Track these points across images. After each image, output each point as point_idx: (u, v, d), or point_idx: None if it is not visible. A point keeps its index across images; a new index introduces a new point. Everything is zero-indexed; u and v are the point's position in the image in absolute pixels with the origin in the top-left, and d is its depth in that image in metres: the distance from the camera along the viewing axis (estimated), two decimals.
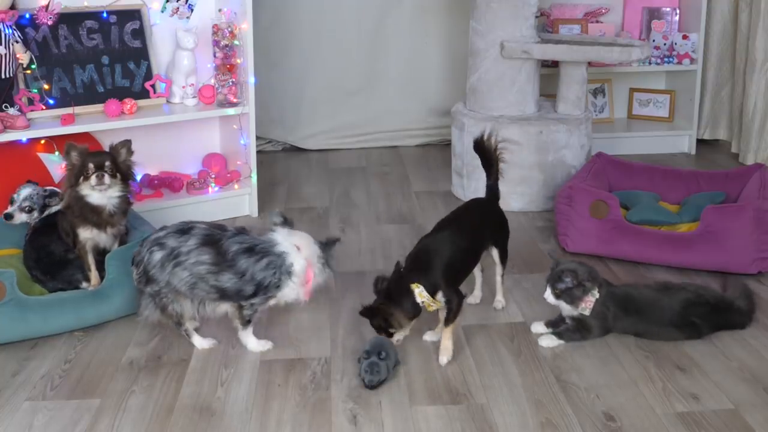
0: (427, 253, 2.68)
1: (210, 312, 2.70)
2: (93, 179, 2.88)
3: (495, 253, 2.94)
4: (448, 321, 2.65)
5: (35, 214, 3.17)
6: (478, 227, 2.87)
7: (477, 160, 3.95)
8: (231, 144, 4.04)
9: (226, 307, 2.70)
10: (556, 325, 2.80)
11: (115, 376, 2.60)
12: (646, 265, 3.33)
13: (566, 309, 2.75)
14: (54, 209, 3.16)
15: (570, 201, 3.46)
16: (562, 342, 2.75)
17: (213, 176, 3.94)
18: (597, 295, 2.71)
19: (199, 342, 2.76)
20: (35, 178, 3.40)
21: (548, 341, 2.75)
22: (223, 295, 2.64)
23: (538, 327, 2.84)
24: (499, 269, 2.97)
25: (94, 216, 2.94)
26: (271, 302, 2.72)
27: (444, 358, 2.65)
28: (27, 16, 3.47)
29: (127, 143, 2.98)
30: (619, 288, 2.81)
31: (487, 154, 3.00)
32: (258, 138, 4.58)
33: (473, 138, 3.03)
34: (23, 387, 2.54)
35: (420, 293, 2.57)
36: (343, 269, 3.36)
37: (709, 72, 4.97)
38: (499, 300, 3.01)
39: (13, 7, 3.36)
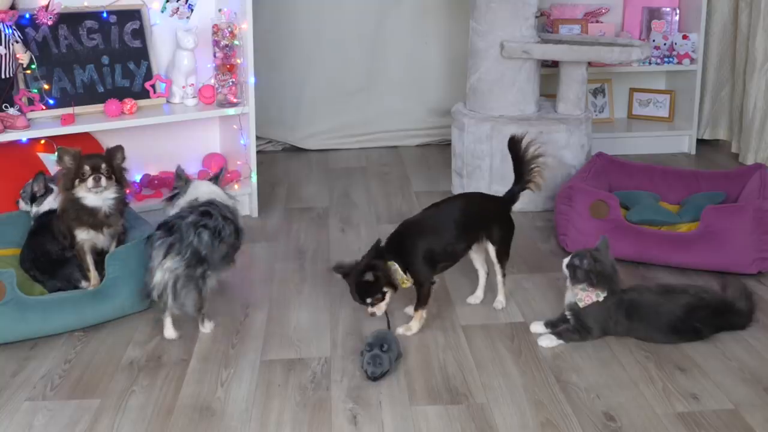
0: (409, 236, 2.78)
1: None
2: (90, 181, 2.88)
3: (491, 249, 2.92)
4: (418, 305, 2.80)
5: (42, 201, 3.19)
6: (470, 220, 2.88)
7: (477, 160, 4.00)
8: (231, 144, 4.04)
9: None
10: (555, 325, 2.80)
11: (115, 376, 2.60)
12: (646, 265, 3.33)
13: (568, 294, 2.75)
14: (45, 208, 3.16)
15: (570, 201, 3.46)
16: (561, 342, 2.75)
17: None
18: (600, 298, 2.71)
19: (208, 326, 2.88)
20: None
21: (547, 341, 2.75)
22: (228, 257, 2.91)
23: (537, 327, 2.84)
24: (497, 269, 2.96)
25: (91, 218, 2.93)
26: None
27: (400, 329, 2.80)
28: (27, 16, 3.47)
29: (120, 149, 2.99)
30: (627, 295, 2.79)
31: (519, 158, 2.95)
32: (258, 138, 4.58)
33: (511, 135, 2.98)
34: (23, 387, 2.54)
35: (396, 270, 2.70)
36: None
37: (709, 72, 4.97)
38: (500, 300, 3.01)
39: (13, 7, 3.35)
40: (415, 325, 2.82)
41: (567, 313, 2.77)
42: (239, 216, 3.02)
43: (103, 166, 2.91)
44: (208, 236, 2.76)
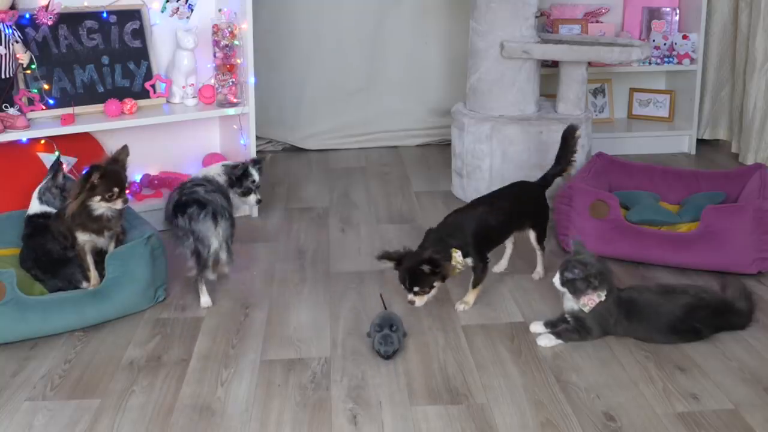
0: (461, 223, 2.94)
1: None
2: (119, 203, 2.93)
3: (532, 235, 3.17)
4: (476, 283, 2.99)
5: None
6: (514, 206, 3.11)
7: (477, 160, 4.01)
8: (231, 144, 4.04)
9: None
10: (555, 325, 2.80)
11: (115, 376, 2.60)
12: (646, 265, 3.33)
13: (569, 303, 2.75)
14: (36, 210, 3.16)
15: (570, 201, 3.46)
16: (560, 342, 2.75)
17: None
18: (603, 298, 2.71)
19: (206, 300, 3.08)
20: (35, 178, 3.40)
21: (546, 341, 2.75)
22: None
23: (536, 327, 2.84)
24: (537, 249, 3.21)
25: (95, 224, 2.96)
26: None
27: (461, 306, 2.99)
28: (27, 16, 3.47)
29: (126, 150, 3.01)
30: (624, 293, 2.80)
31: (568, 147, 3.24)
32: (258, 138, 4.57)
33: (570, 125, 3.29)
34: (23, 387, 2.54)
35: (457, 257, 2.83)
36: (343, 269, 3.37)
37: (709, 72, 4.97)
38: (538, 272, 3.25)
39: (13, 7, 3.35)
40: (471, 299, 3.01)
41: (567, 316, 2.77)
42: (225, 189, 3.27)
43: (125, 184, 2.96)
44: (221, 198, 3.12)
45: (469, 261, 2.92)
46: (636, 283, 3.10)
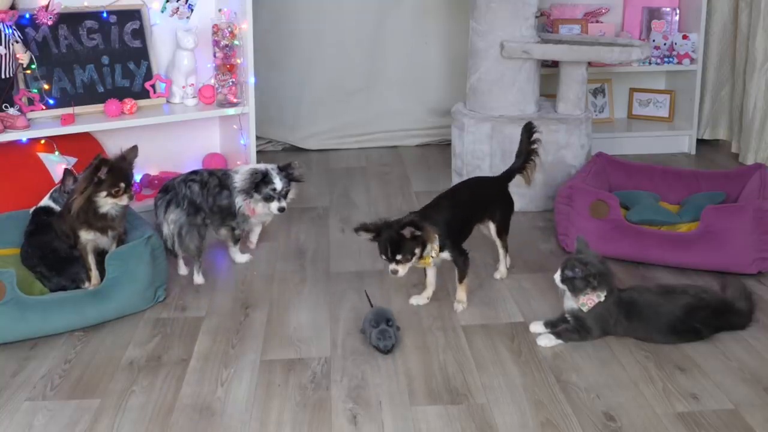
0: (431, 218, 2.89)
1: (218, 236, 3.38)
2: (124, 198, 2.94)
3: (491, 227, 3.16)
4: (461, 278, 2.98)
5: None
6: (475, 201, 3.11)
7: (477, 160, 4.01)
8: (231, 144, 4.04)
9: (224, 232, 3.34)
10: (555, 325, 2.80)
11: (115, 376, 2.60)
12: (646, 265, 3.33)
13: (569, 302, 2.75)
14: (46, 203, 3.17)
15: (570, 201, 3.46)
16: (560, 342, 2.74)
17: None
18: (602, 298, 2.71)
19: (200, 279, 3.24)
20: (35, 178, 3.41)
21: (546, 341, 2.75)
22: (222, 213, 3.27)
23: (536, 326, 2.84)
24: (498, 243, 3.20)
25: (100, 222, 2.96)
26: (250, 221, 3.37)
27: (459, 306, 2.98)
28: (27, 16, 3.47)
29: (136, 151, 3.02)
30: (624, 293, 2.80)
31: (527, 141, 3.26)
32: (258, 138, 4.58)
33: (528, 122, 3.33)
34: (23, 387, 2.54)
35: (435, 239, 2.81)
36: (342, 269, 3.36)
37: (709, 72, 4.96)
38: (500, 271, 3.24)
39: (13, 7, 3.36)
40: (463, 296, 3.00)
41: (567, 315, 2.77)
42: (234, 181, 3.29)
43: (132, 180, 2.97)
44: (197, 187, 3.22)
45: (447, 255, 2.91)
46: (636, 283, 3.10)
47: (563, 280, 2.71)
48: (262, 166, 3.28)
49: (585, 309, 2.72)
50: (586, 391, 2.49)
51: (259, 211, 3.30)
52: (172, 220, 3.17)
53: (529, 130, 3.26)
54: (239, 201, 3.27)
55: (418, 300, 3.03)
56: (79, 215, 2.92)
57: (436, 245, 2.83)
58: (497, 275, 3.23)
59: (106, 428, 2.33)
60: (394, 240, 2.76)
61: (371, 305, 2.91)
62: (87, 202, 2.90)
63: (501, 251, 3.22)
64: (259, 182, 3.22)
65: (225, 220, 3.31)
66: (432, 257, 2.85)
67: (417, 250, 2.79)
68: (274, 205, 3.25)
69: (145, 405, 2.44)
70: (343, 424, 2.34)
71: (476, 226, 3.13)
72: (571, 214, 3.44)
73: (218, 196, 3.26)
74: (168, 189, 3.23)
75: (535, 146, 3.24)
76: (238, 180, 3.26)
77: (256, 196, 3.24)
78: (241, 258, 3.42)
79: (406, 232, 2.75)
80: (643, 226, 3.42)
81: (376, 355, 2.68)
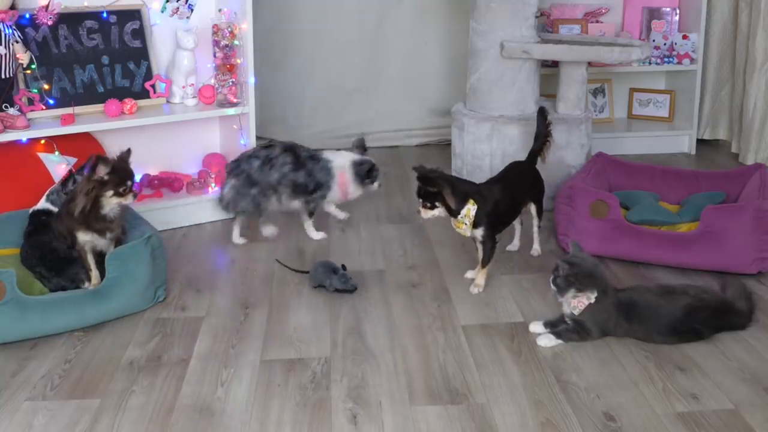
0: (480, 193, 3.07)
1: (285, 207, 3.61)
2: (129, 197, 2.95)
3: (532, 207, 3.35)
4: (484, 262, 3.12)
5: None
6: (518, 185, 3.28)
7: (477, 160, 4.01)
8: (231, 144, 4.04)
9: (296, 203, 3.61)
10: (555, 325, 2.80)
11: (115, 376, 2.60)
12: (646, 265, 3.33)
13: (565, 306, 2.75)
14: (39, 207, 3.16)
15: (570, 201, 3.46)
16: (560, 342, 2.74)
17: (213, 176, 3.93)
18: (592, 299, 2.71)
19: (268, 230, 3.61)
20: (35, 178, 3.40)
21: (546, 341, 2.75)
22: (295, 189, 3.54)
23: (536, 326, 2.83)
24: (536, 221, 3.40)
25: (98, 223, 2.96)
26: (327, 198, 3.64)
27: (475, 289, 3.13)
28: (27, 16, 3.47)
29: (129, 153, 3.02)
30: (624, 294, 2.80)
31: (543, 124, 3.43)
32: (258, 138, 4.57)
33: (541, 106, 3.52)
34: (23, 387, 2.54)
35: (469, 210, 3.00)
36: None
37: (709, 72, 4.97)
38: (536, 249, 3.46)
39: (13, 7, 3.36)
40: (481, 281, 3.14)
41: (566, 319, 2.77)
42: (318, 166, 3.59)
43: (134, 178, 2.98)
44: (258, 163, 3.51)
45: (479, 234, 3.04)
46: (636, 283, 3.10)
47: (552, 281, 2.72)
48: (367, 158, 3.67)
49: (576, 312, 2.71)
50: (586, 391, 2.49)
51: (352, 193, 3.66)
52: (231, 186, 3.52)
53: (543, 113, 3.44)
54: (333, 183, 3.60)
55: (473, 274, 3.21)
56: (80, 217, 2.92)
57: (471, 214, 3.00)
58: (533, 252, 3.45)
59: (106, 428, 2.33)
60: (420, 185, 3.02)
61: (298, 270, 3.27)
62: (93, 202, 2.90)
63: (536, 229, 3.43)
64: (369, 170, 3.62)
65: (298, 195, 3.57)
66: (465, 224, 3.02)
67: (438, 205, 2.99)
68: (376, 184, 3.68)
69: (145, 405, 2.44)
70: (343, 424, 2.34)
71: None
72: (571, 214, 3.44)
73: (294, 173, 3.53)
74: (237, 159, 3.59)
75: (550, 128, 3.43)
76: (347, 167, 3.60)
77: (367, 181, 3.63)
78: (316, 235, 3.68)
79: (429, 186, 2.98)
80: (643, 226, 3.42)
81: (376, 355, 2.68)
